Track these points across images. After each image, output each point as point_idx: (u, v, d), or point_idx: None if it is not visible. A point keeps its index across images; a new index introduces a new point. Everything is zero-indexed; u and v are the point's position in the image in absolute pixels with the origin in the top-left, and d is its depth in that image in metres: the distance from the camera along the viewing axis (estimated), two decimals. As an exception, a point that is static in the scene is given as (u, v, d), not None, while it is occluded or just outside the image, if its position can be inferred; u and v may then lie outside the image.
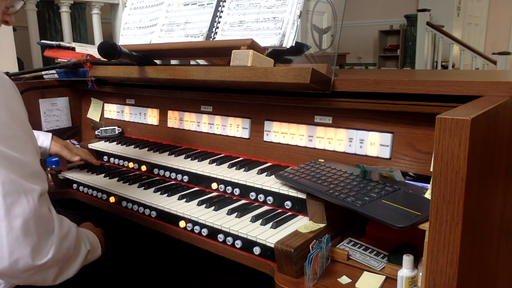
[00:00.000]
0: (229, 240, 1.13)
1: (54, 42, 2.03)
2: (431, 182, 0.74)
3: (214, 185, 1.38)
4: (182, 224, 1.24)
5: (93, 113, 2.07)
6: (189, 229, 1.23)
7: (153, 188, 1.43)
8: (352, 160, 1.26)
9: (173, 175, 1.49)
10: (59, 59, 1.95)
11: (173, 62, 3.34)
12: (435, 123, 0.71)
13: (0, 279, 0.95)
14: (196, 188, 1.43)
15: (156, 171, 1.55)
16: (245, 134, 1.52)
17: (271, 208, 1.25)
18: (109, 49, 1.35)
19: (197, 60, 3.06)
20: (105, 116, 2.04)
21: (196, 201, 1.31)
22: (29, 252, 0.86)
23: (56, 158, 1.84)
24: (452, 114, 0.71)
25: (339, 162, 1.27)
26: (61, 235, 0.92)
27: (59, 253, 0.92)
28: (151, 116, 1.84)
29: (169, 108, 1.78)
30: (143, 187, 1.45)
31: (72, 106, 2.07)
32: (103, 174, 1.63)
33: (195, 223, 1.21)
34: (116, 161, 1.71)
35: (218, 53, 1.51)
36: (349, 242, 1.10)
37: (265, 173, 1.32)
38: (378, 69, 8.60)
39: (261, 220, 1.15)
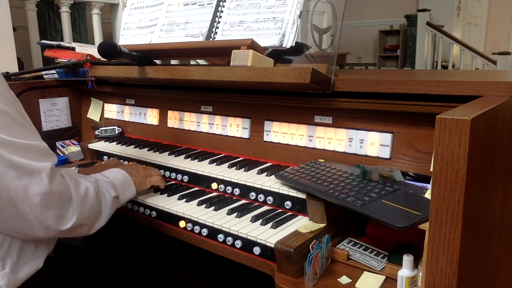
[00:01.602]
0: (229, 240, 1.13)
1: (54, 42, 2.03)
2: (431, 182, 0.74)
3: (214, 185, 1.38)
4: (182, 224, 1.24)
5: (93, 113, 2.07)
6: (189, 229, 1.23)
7: (153, 188, 1.43)
8: (352, 160, 1.26)
9: (173, 175, 1.49)
10: (59, 59, 1.94)
11: (173, 62, 3.34)
12: (435, 123, 0.71)
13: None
14: (196, 188, 1.43)
15: (156, 171, 1.55)
16: (245, 134, 1.52)
17: (271, 208, 1.25)
18: (109, 49, 1.35)
19: (197, 60, 3.06)
20: (105, 116, 2.04)
21: (196, 201, 1.31)
22: (54, 221, 0.96)
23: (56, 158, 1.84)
24: (452, 114, 0.71)
25: (339, 162, 1.27)
26: (79, 198, 1.02)
27: (83, 214, 1.02)
28: (151, 116, 1.84)
29: (169, 108, 1.78)
30: (143, 187, 1.45)
31: (72, 106, 2.07)
32: (103, 174, 1.63)
33: (195, 223, 1.21)
34: (116, 161, 1.71)
35: (218, 53, 1.51)
36: (349, 242, 1.10)
37: (265, 173, 1.32)
38: (378, 69, 8.61)
39: (261, 220, 1.15)
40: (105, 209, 1.12)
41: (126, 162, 1.67)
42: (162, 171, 1.52)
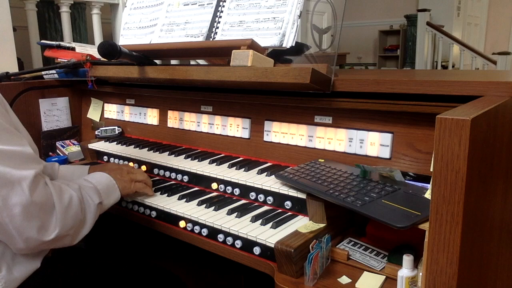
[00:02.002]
0: (229, 240, 1.13)
1: (54, 42, 2.03)
2: (431, 182, 0.74)
3: (214, 185, 1.38)
4: (182, 224, 1.24)
5: (93, 113, 2.07)
6: (189, 229, 1.23)
7: (153, 188, 1.43)
8: (352, 160, 1.26)
9: (173, 175, 1.49)
10: (59, 59, 1.95)
11: (173, 62, 3.34)
12: (435, 123, 0.71)
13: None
14: (196, 188, 1.43)
15: (156, 171, 1.55)
16: (245, 134, 1.52)
17: (271, 208, 1.25)
18: (109, 49, 1.35)
19: (197, 60, 3.06)
20: (105, 116, 2.04)
21: (196, 201, 1.31)
22: (36, 232, 0.93)
23: (56, 158, 1.84)
24: (452, 114, 0.71)
25: (339, 162, 1.27)
26: (62, 207, 0.98)
27: (66, 224, 0.98)
28: (151, 116, 1.84)
29: (169, 108, 1.78)
30: (143, 187, 1.45)
31: (72, 106, 2.07)
32: (103, 174, 1.63)
33: (195, 223, 1.21)
34: (116, 161, 1.71)
35: (218, 53, 1.51)
36: (349, 242, 1.10)
37: (265, 173, 1.32)
38: (378, 69, 8.61)
39: (261, 220, 1.15)
40: (89, 217, 1.08)
41: (126, 162, 1.67)
42: (162, 171, 1.52)
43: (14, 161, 0.91)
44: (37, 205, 0.92)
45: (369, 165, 1.16)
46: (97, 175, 1.23)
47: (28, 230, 0.92)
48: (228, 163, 1.43)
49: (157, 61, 1.86)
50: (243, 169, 1.37)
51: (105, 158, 1.77)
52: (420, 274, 0.89)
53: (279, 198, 1.23)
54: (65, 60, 1.87)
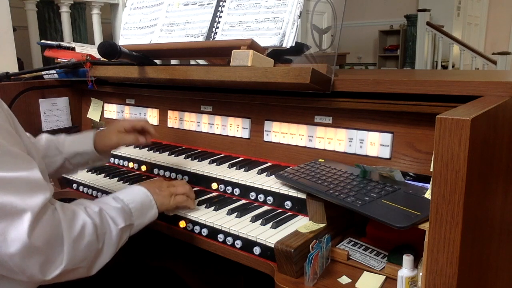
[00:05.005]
0: (229, 240, 1.13)
1: (54, 42, 2.03)
2: (431, 182, 0.74)
3: (214, 185, 1.38)
4: (182, 224, 1.24)
5: (93, 113, 2.07)
6: (189, 229, 1.23)
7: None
8: (352, 160, 1.26)
9: (173, 175, 1.49)
10: (59, 59, 1.95)
11: (173, 62, 3.33)
12: (435, 123, 0.71)
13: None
14: (196, 188, 1.43)
15: (156, 171, 1.55)
16: (245, 134, 1.52)
17: (271, 208, 1.25)
18: (109, 49, 1.35)
19: (197, 60, 3.06)
20: (105, 116, 2.04)
21: (196, 201, 1.31)
22: (38, 270, 0.82)
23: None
24: (452, 114, 0.71)
25: (339, 162, 1.27)
26: (72, 238, 0.87)
27: (76, 256, 0.87)
28: (151, 116, 1.84)
29: (169, 108, 1.78)
30: (143, 187, 1.44)
31: (72, 106, 2.07)
32: (103, 174, 1.63)
33: (195, 223, 1.21)
34: (116, 161, 1.71)
35: (218, 53, 1.51)
36: (349, 242, 1.10)
37: (265, 173, 1.32)
38: (378, 69, 8.61)
39: (261, 220, 1.15)
40: (108, 245, 0.96)
41: (126, 162, 1.67)
42: (162, 171, 1.52)
43: (18, 190, 0.80)
44: (40, 239, 0.81)
45: (369, 165, 1.16)
46: (132, 190, 1.10)
47: (30, 268, 0.81)
48: (228, 163, 1.43)
49: (157, 61, 1.86)
50: (243, 169, 1.37)
51: (105, 158, 1.77)
52: (420, 274, 0.89)
53: (279, 198, 1.23)
54: (65, 60, 1.87)
